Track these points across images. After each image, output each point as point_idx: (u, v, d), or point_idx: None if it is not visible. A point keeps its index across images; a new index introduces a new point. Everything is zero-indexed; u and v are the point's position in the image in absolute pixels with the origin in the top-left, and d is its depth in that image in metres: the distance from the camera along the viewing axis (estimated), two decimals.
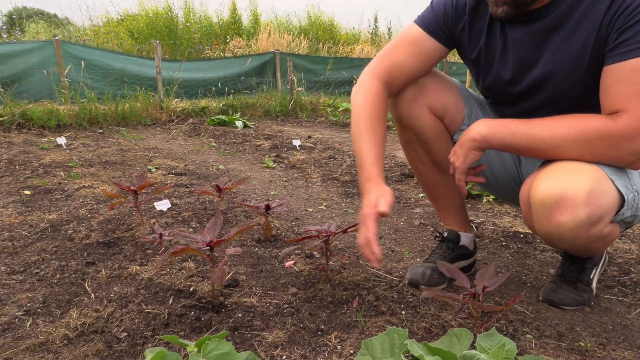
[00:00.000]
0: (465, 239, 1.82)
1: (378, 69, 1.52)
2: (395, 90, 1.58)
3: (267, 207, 2.06)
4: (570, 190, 1.23)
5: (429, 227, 2.43)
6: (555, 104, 1.43)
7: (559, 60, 1.35)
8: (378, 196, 1.30)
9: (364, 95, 1.49)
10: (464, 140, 1.41)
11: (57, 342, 1.33)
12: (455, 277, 1.28)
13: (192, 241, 1.47)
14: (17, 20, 15.40)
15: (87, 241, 2.04)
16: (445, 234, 1.82)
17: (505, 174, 1.69)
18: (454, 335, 1.06)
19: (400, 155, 4.40)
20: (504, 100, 1.56)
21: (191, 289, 1.61)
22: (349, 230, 1.71)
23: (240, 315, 1.47)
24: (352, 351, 1.28)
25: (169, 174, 3.34)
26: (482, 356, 0.92)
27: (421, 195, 3.01)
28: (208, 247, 1.44)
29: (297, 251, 2.00)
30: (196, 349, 1.08)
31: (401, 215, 2.63)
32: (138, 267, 1.76)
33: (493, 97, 1.62)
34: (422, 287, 1.36)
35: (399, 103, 1.61)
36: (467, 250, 1.81)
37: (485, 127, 1.37)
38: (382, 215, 1.27)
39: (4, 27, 11.89)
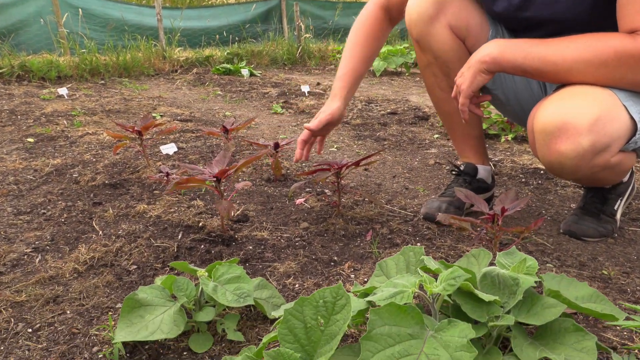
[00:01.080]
0: (483, 171, 1.79)
1: None
2: (397, 11, 1.66)
3: (276, 145, 2.04)
4: (572, 117, 1.17)
5: (444, 165, 2.40)
6: (569, 30, 1.35)
7: None
8: (320, 112, 1.57)
9: (359, 17, 1.65)
10: (473, 62, 1.34)
11: (67, 276, 1.35)
12: (474, 201, 1.26)
13: (199, 173, 1.46)
14: None
15: (93, 183, 2.05)
16: (462, 167, 1.79)
17: (532, 101, 1.63)
18: (472, 256, 1.05)
19: (414, 99, 4.33)
20: (516, 27, 1.49)
21: (200, 224, 1.62)
22: (361, 163, 1.69)
23: (251, 247, 1.48)
24: (366, 279, 1.29)
25: (174, 120, 3.32)
26: (502, 271, 0.91)
27: (436, 136, 2.97)
28: (215, 179, 1.42)
29: (308, 189, 2.00)
30: (206, 274, 1.09)
31: (415, 155, 2.60)
32: (146, 206, 1.77)
33: (505, 23, 1.54)
34: (439, 214, 1.34)
35: (417, 21, 1.54)
36: (484, 183, 1.79)
37: (496, 48, 1.30)
38: (307, 129, 1.56)
39: None
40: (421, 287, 0.88)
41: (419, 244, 1.51)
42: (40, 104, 3.81)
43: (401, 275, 0.93)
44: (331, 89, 1.63)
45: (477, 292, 0.86)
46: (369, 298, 0.89)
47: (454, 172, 1.83)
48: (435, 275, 0.95)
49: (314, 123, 1.57)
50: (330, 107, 1.59)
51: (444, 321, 0.81)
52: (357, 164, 1.66)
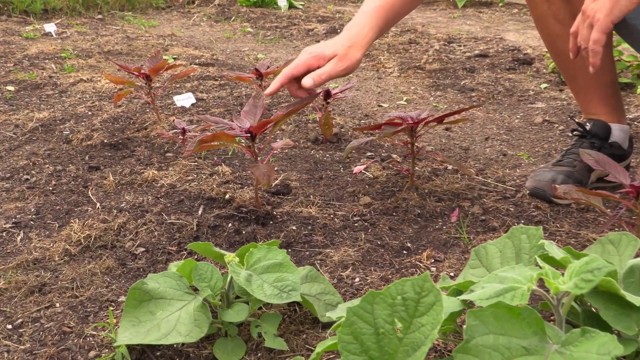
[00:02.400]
0: (619, 132, 1.68)
1: None
2: None
3: (327, 94, 1.99)
4: None
5: (556, 125, 2.29)
6: None
7: None
8: (333, 63, 1.41)
9: None
10: None
11: (56, 259, 1.36)
12: (608, 169, 1.17)
13: (226, 127, 1.43)
14: None
15: (89, 142, 2.07)
16: (587, 126, 1.69)
17: None
18: (609, 243, 0.98)
19: (511, 37, 4.18)
20: None
21: (227, 196, 1.61)
22: (445, 119, 1.62)
23: (294, 228, 1.46)
24: (452, 273, 1.24)
25: (191, 64, 3.33)
26: None
27: (543, 85, 2.85)
28: (248, 134, 1.39)
29: (369, 153, 1.96)
30: (237, 259, 1.06)
31: (515, 111, 2.50)
32: (156, 172, 1.77)
33: None
34: (556, 187, 1.26)
35: None
36: (619, 150, 1.68)
37: None
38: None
39: None
40: (540, 283, 0.82)
41: None
42: (22, 43, 3.89)
43: (509, 266, 0.87)
44: (349, 25, 1.49)
45: (623, 292, 0.79)
46: (463, 296, 0.83)
47: (575, 133, 1.73)
48: (558, 268, 0.88)
49: (312, 79, 1.40)
50: (347, 59, 1.43)
51: (575, 331, 0.75)
52: (439, 119, 1.60)
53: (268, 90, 1.40)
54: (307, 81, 1.38)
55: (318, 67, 1.41)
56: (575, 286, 0.77)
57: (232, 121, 1.46)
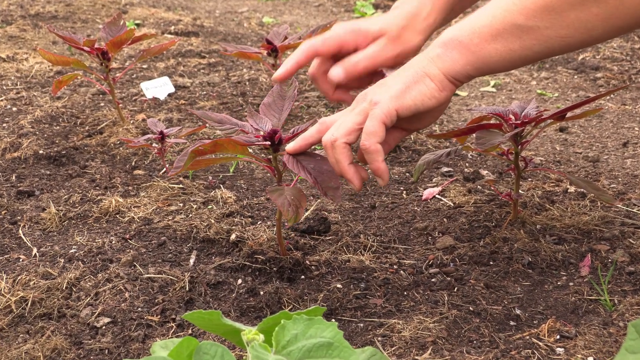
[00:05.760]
0: None
1: None
2: None
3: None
4: None
5: None
6: None
7: None
8: (376, 44, 1.44)
9: None
10: None
11: None
12: None
13: (234, 130, 1.44)
14: None
15: (15, 154, 2.09)
16: None
17: None
18: None
19: None
20: None
21: (232, 236, 1.61)
22: (568, 113, 1.61)
23: (338, 286, 1.45)
24: (591, 358, 1.23)
25: (163, 34, 3.36)
26: None
27: None
28: (268, 142, 1.39)
29: (445, 168, 1.98)
30: (261, 337, 1.05)
31: None
32: (121, 200, 1.79)
33: None
34: None
35: None
36: None
37: None
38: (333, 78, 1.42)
39: None
40: None
41: None
42: None
43: None
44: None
45: None
46: None
47: None
48: None
49: (344, 69, 1.44)
50: (400, 43, 1.47)
51: None
52: (559, 115, 1.58)
53: (277, 74, 1.44)
54: (334, 73, 1.41)
55: (356, 50, 1.43)
56: None
57: (245, 120, 1.46)
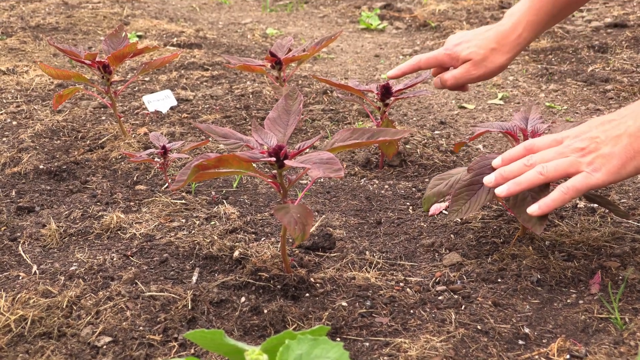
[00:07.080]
0: None
1: None
2: None
3: (385, 92, 1.98)
4: None
5: None
6: None
7: None
8: (471, 63, 1.88)
9: None
10: None
11: None
12: None
13: (239, 145, 1.43)
14: None
15: (15, 169, 2.08)
16: None
17: None
18: None
19: None
20: None
21: (235, 253, 1.60)
22: None
23: (344, 304, 1.44)
24: None
25: (166, 46, 3.36)
26: None
27: None
28: (274, 158, 1.38)
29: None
30: (265, 357, 1.04)
31: None
32: (122, 216, 1.78)
33: None
34: None
35: None
36: None
37: None
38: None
39: None
40: None
41: None
42: None
43: None
44: (506, 15, 1.88)
45: None
46: None
47: None
48: None
49: (439, 79, 1.96)
50: (483, 66, 1.89)
51: None
52: None
53: (392, 73, 1.93)
54: (435, 81, 1.94)
55: (450, 67, 1.91)
56: None
57: (249, 134, 1.45)
